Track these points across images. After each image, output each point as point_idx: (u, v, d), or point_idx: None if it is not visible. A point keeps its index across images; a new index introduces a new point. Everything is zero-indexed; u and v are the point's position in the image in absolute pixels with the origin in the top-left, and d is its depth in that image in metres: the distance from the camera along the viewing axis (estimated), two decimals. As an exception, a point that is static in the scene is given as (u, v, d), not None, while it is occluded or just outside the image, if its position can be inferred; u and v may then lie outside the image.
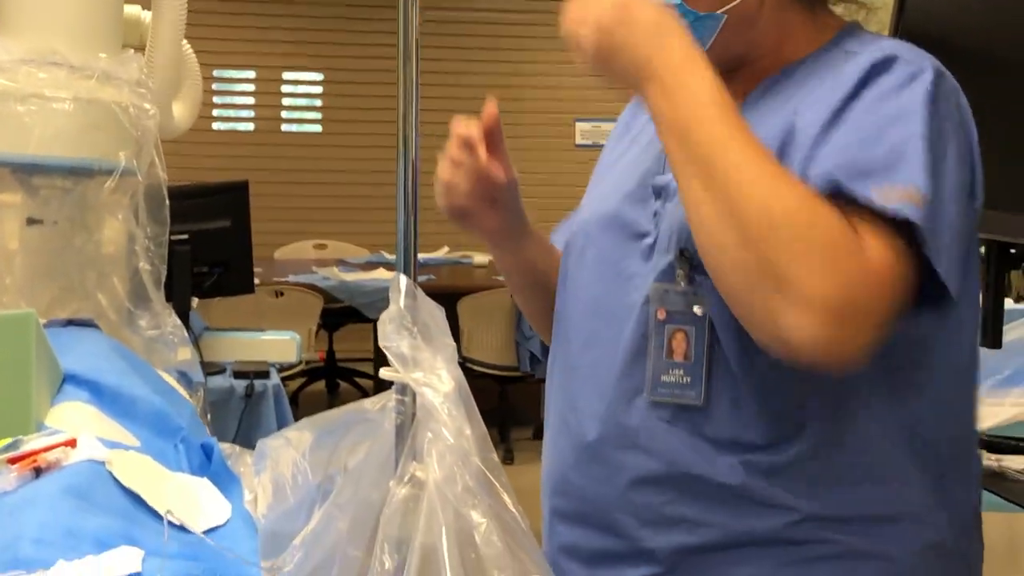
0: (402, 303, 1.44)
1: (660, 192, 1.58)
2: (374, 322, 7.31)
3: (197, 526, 2.01)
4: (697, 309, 1.48)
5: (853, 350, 1.33)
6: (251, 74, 8.91)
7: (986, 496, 2.08)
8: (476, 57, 9.18)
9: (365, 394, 7.91)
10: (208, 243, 4.22)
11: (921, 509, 1.53)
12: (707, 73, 1.39)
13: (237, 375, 4.28)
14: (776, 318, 1.30)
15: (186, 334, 3.06)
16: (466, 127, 1.67)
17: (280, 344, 4.47)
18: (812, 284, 1.27)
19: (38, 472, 2.00)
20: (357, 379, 8.22)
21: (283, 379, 4.45)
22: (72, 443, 2.06)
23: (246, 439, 4.00)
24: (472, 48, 9.20)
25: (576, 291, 1.68)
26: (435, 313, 1.45)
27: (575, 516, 1.57)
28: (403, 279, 1.44)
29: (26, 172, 2.80)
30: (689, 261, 1.48)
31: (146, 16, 3.13)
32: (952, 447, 1.57)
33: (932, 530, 1.54)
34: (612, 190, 1.69)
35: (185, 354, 3.04)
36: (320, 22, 8.96)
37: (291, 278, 6.94)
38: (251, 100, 8.94)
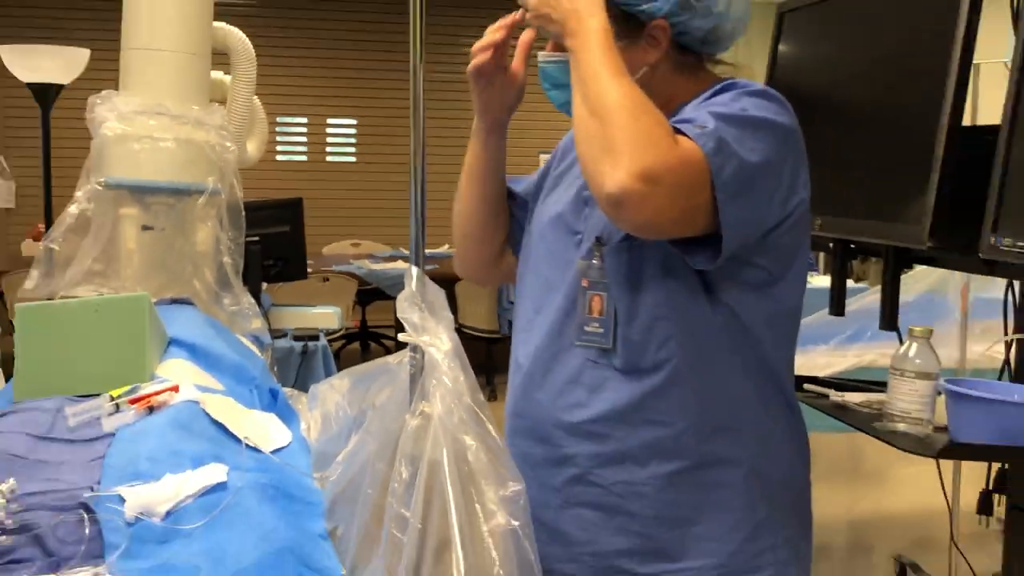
0: (414, 286, 1.44)
1: (588, 201, 1.59)
2: (394, 299, 7.30)
3: (267, 448, 2.01)
4: (607, 279, 1.51)
5: (663, 209, 1.36)
6: (304, 119, 8.87)
7: (833, 422, 2.09)
8: (465, 99, 9.14)
9: (388, 352, 7.95)
10: (273, 243, 4.21)
11: (761, 424, 1.55)
12: (600, 32, 1.41)
13: (295, 338, 4.29)
14: (605, 179, 1.33)
15: (258, 309, 3.05)
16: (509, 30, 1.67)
17: (326, 316, 4.47)
18: (634, 154, 1.32)
19: (151, 410, 2.00)
20: (383, 341, 8.20)
21: (328, 341, 4.45)
22: (175, 388, 2.06)
23: (302, 385, 3.99)
24: (463, 94, 9.14)
25: (534, 272, 1.69)
26: (437, 294, 1.46)
27: (523, 431, 1.59)
28: (415, 269, 1.45)
29: (141, 192, 2.78)
30: (601, 243, 1.52)
31: (227, 78, 3.12)
32: (780, 378, 1.59)
33: (770, 440, 1.56)
34: (557, 200, 1.69)
35: (257, 323, 3.04)
36: (353, 82, 8.92)
37: (334, 268, 6.94)
38: (304, 138, 8.89)
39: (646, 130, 1.33)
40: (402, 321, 1.43)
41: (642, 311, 1.49)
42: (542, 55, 1.57)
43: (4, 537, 1.53)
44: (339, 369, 4.51)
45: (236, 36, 2.99)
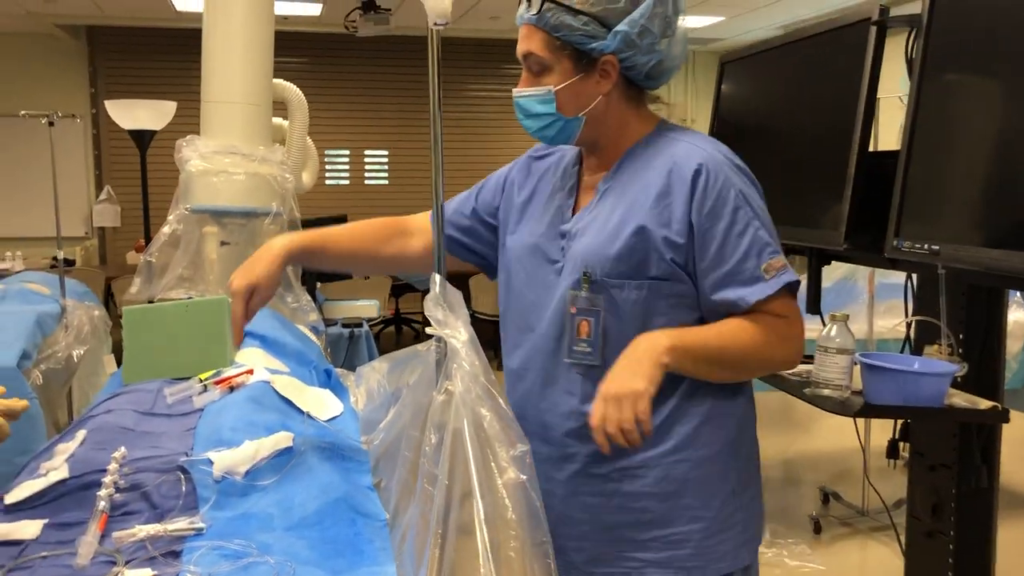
0: (438, 290, 1.41)
1: (564, 235, 1.50)
2: (421, 292, 7.28)
3: (323, 417, 2.00)
4: (595, 306, 1.43)
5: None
6: (346, 151, 8.82)
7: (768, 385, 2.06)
8: (471, 129, 9.12)
9: (418, 336, 7.97)
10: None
11: (734, 406, 1.50)
12: (673, 346, 1.36)
13: (344, 325, 4.27)
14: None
15: (314, 304, 3.05)
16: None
17: (368, 307, 4.45)
18: (792, 361, 1.46)
19: (232, 389, 1.99)
20: (412, 325, 8.17)
21: (369, 327, 4.42)
22: (250, 372, 2.05)
23: (350, 364, 3.99)
24: (468, 126, 9.12)
25: (517, 294, 1.58)
26: (456, 295, 1.43)
27: (529, 434, 1.40)
28: (438, 277, 1.42)
29: (219, 215, 2.77)
30: (589, 278, 1.43)
31: (284, 123, 3.10)
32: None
33: (737, 418, 1.51)
34: (530, 231, 1.58)
35: (314, 316, 3.03)
36: (386, 119, 8.90)
37: (372, 268, 6.90)
38: (347, 166, 8.86)
39: (785, 353, 1.45)
40: (428, 317, 1.41)
41: (626, 331, 1.41)
42: (516, 91, 1.49)
43: (119, 494, 1.52)
44: (379, 349, 4.51)
45: (292, 90, 2.98)
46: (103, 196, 7.42)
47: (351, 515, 1.51)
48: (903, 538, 2.30)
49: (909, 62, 1.86)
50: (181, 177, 2.76)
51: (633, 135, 1.50)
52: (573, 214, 1.53)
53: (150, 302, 3.56)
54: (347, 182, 8.84)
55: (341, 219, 4.53)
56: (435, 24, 1.36)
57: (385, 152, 8.95)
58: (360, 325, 4.35)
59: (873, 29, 1.79)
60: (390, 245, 1.73)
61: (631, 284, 1.42)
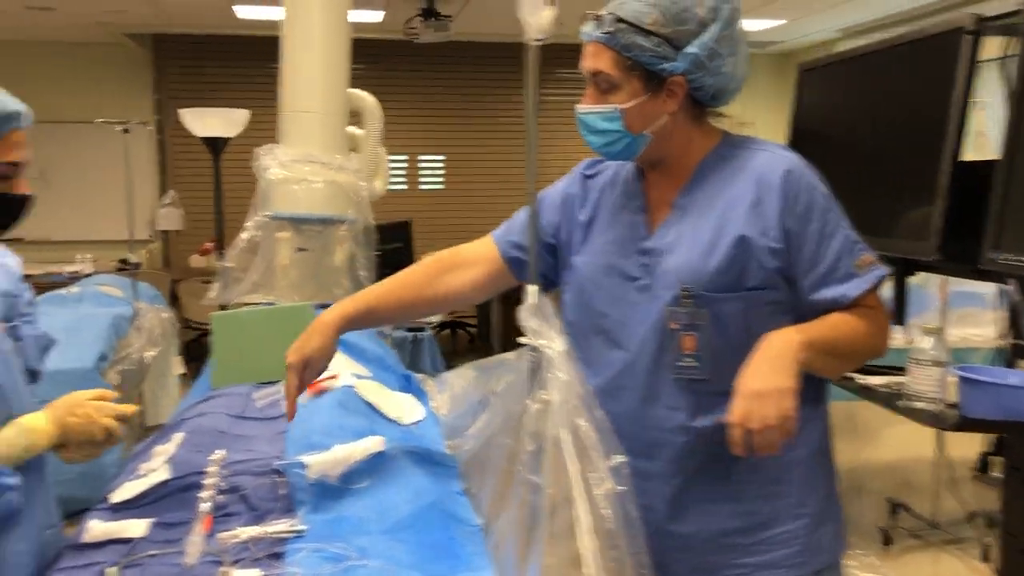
0: (533, 300, 1.43)
1: (647, 252, 1.49)
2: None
3: (406, 421, 2.04)
4: (699, 321, 1.42)
5: None
6: (404, 156, 8.93)
7: (836, 392, 2.02)
8: (519, 135, 9.14)
9: (473, 340, 8.00)
10: (390, 257, 4.23)
11: (821, 410, 1.52)
12: (804, 342, 1.37)
13: (407, 329, 4.31)
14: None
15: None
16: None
17: (431, 312, 4.45)
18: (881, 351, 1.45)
19: (320, 393, 2.03)
20: (468, 330, 8.18)
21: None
22: (335, 377, 2.09)
23: (413, 366, 4.03)
24: (519, 130, 9.14)
25: (596, 315, 1.54)
26: (548, 305, 1.45)
27: (634, 452, 1.39)
28: (533, 288, 1.44)
29: (297, 222, 2.83)
30: (690, 294, 1.42)
31: (357, 131, 3.16)
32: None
33: (824, 422, 1.53)
34: (602, 250, 1.56)
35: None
36: (442, 126, 8.96)
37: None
38: (404, 171, 8.97)
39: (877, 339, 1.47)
40: (523, 327, 1.42)
41: (730, 343, 1.41)
42: (580, 108, 1.49)
43: (220, 496, 1.57)
44: (444, 353, 4.55)
45: (367, 99, 3.04)
46: (167, 200, 7.60)
47: (445, 520, 1.54)
48: (984, 552, 2.26)
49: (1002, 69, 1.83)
50: (260, 185, 2.82)
51: (699, 150, 1.51)
52: (648, 231, 1.52)
53: (223, 307, 3.64)
54: (404, 187, 8.93)
55: (406, 225, 4.59)
56: (534, 40, 1.38)
57: (442, 157, 9.02)
58: (423, 329, 4.39)
59: (967, 39, 1.77)
60: (441, 284, 1.70)
61: (731, 297, 1.42)
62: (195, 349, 6.95)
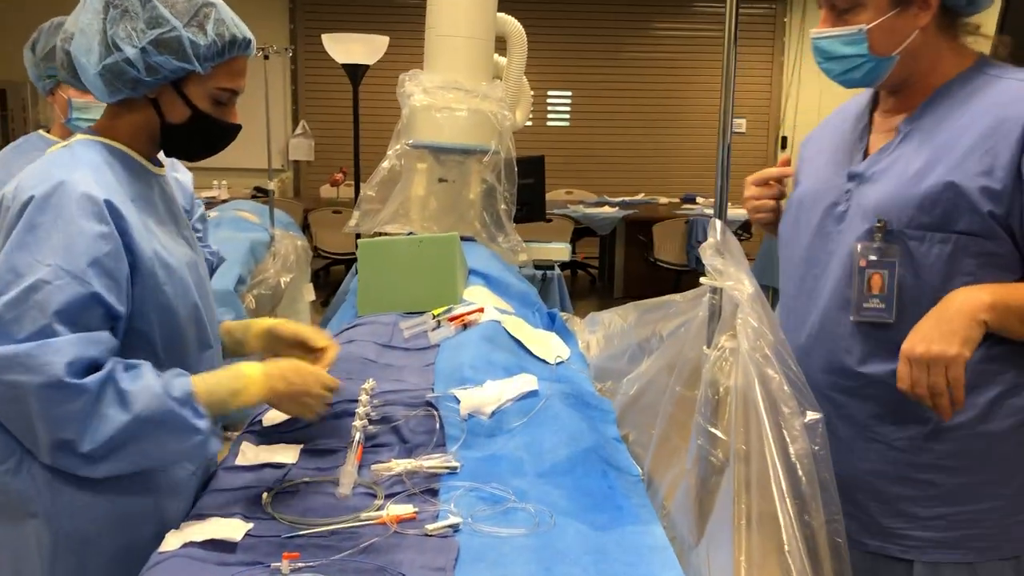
0: (718, 237, 1.30)
1: (853, 177, 1.37)
2: (601, 236, 7.15)
3: (551, 360, 1.95)
4: (889, 258, 1.28)
5: None
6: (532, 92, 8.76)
7: None
8: (650, 70, 8.84)
9: (594, 281, 7.89)
10: (521, 192, 4.13)
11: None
12: (992, 299, 1.21)
13: (536, 267, 4.22)
14: None
15: (524, 246, 2.99)
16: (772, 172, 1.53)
17: (560, 250, 4.31)
18: None
19: (465, 326, 1.97)
20: (589, 270, 8.04)
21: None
22: (481, 310, 2.02)
23: (542, 304, 3.96)
24: (649, 65, 8.85)
25: (794, 244, 1.47)
26: (735, 243, 1.32)
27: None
28: (718, 223, 1.31)
29: (439, 151, 2.76)
30: (883, 228, 1.29)
31: (502, 60, 3.03)
32: None
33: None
34: (816, 175, 1.47)
35: (524, 257, 2.99)
36: (568, 61, 8.76)
37: (555, 211, 6.80)
38: (532, 106, 8.84)
39: None
40: (707, 266, 1.30)
41: (924, 290, 1.27)
42: (814, 32, 1.36)
43: (371, 426, 1.53)
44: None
45: (513, 24, 2.91)
46: (299, 130, 7.70)
47: (602, 467, 1.45)
48: None
49: None
50: (404, 112, 2.75)
51: (946, 72, 1.34)
52: (865, 157, 1.38)
53: (358, 237, 3.64)
54: (530, 123, 8.79)
55: (538, 160, 4.47)
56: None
57: (569, 93, 8.82)
58: (552, 268, 4.29)
59: None
60: None
61: (934, 237, 1.26)
62: (324, 277, 7.09)
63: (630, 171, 8.90)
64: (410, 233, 2.73)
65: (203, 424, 1.18)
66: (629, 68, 8.75)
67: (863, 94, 1.48)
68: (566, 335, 2.11)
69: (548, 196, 8.33)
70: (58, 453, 1.10)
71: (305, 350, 1.49)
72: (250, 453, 1.50)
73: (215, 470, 1.45)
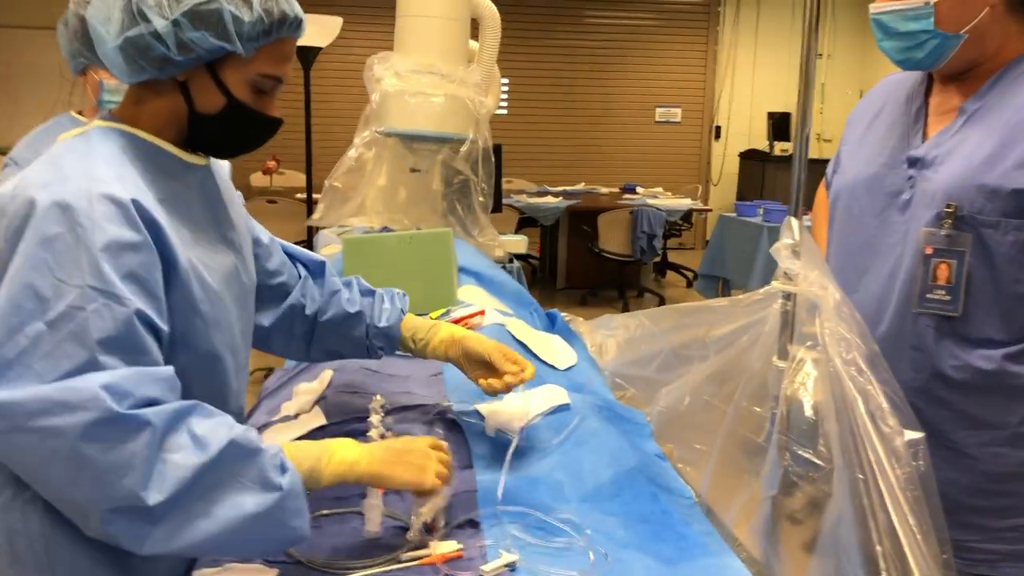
0: (796, 237, 1.18)
1: (915, 162, 1.29)
2: (542, 227, 7.01)
3: (560, 366, 1.81)
4: (958, 247, 1.20)
5: None
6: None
7: None
8: (586, 58, 8.76)
9: (535, 271, 7.71)
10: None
11: None
12: None
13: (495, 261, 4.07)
14: None
15: (500, 240, 2.83)
16: None
17: (517, 242, 4.18)
18: None
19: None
20: (530, 261, 7.87)
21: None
22: (482, 313, 1.86)
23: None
24: (585, 54, 8.77)
25: (849, 232, 1.39)
26: (812, 245, 1.20)
27: None
28: (794, 221, 1.19)
29: (411, 139, 2.57)
30: (952, 215, 1.21)
31: (474, 44, 2.86)
32: None
33: None
34: (867, 160, 1.38)
35: (500, 253, 2.83)
36: (506, 49, 8.59)
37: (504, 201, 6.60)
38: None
39: None
40: (783, 269, 1.18)
41: (998, 281, 1.20)
42: (875, 7, 1.27)
43: (390, 446, 1.36)
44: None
45: (487, 6, 2.73)
46: (226, 116, 7.34)
47: (651, 488, 1.32)
48: None
49: None
50: (373, 97, 2.56)
51: (1011, 52, 1.25)
52: (922, 139, 1.29)
53: (315, 229, 3.41)
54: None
55: (497, 148, 4.30)
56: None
57: (505, 80, 8.65)
58: (511, 261, 4.14)
59: None
60: None
61: (1010, 224, 1.18)
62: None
63: (568, 161, 8.80)
64: (385, 229, 2.55)
65: (286, 481, 0.94)
66: (565, 56, 8.64)
67: (905, 74, 1.39)
68: (570, 337, 1.96)
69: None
70: (115, 517, 0.86)
71: (489, 370, 1.35)
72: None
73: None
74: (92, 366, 0.85)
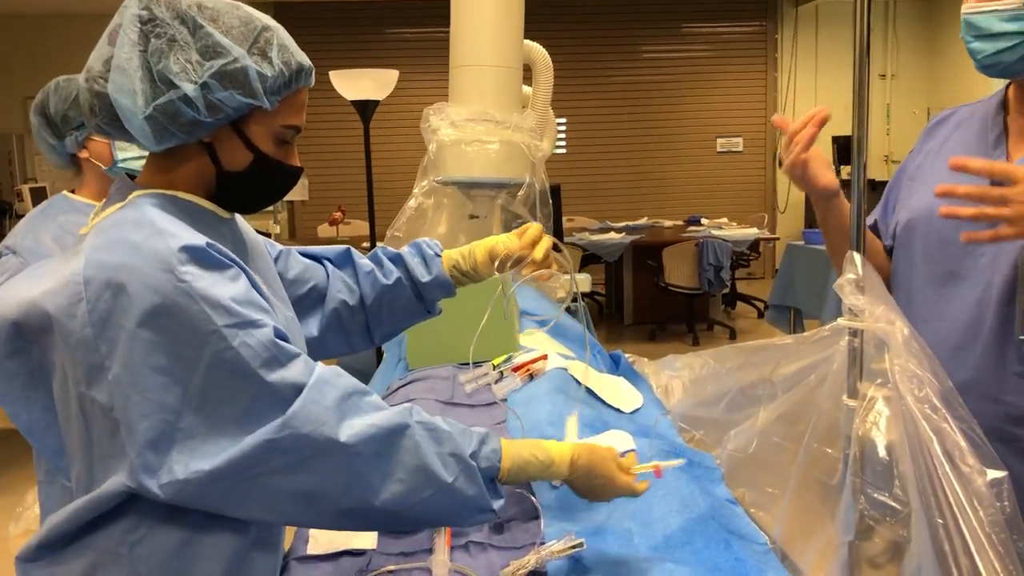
0: (859, 271, 1.15)
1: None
2: (607, 263, 6.99)
3: (627, 409, 1.79)
4: None
5: None
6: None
7: None
8: (642, 93, 8.76)
9: (600, 307, 7.68)
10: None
11: None
12: None
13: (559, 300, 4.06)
14: None
15: (562, 280, 2.82)
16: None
17: (582, 280, 4.15)
18: None
19: (531, 376, 1.80)
20: (596, 298, 7.86)
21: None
22: (544, 357, 1.86)
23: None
24: (641, 88, 8.77)
25: (924, 258, 1.35)
26: (876, 280, 1.16)
27: None
28: (857, 256, 1.16)
29: (469, 187, 2.60)
30: None
31: (528, 90, 2.89)
32: None
33: None
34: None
35: (562, 294, 2.82)
36: (562, 88, 8.66)
37: (565, 240, 6.63)
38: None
39: None
40: (848, 305, 1.15)
41: None
42: (968, 6, 1.23)
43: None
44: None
45: (539, 51, 2.77)
46: (292, 170, 7.55)
47: (724, 535, 1.28)
48: None
49: None
50: (431, 147, 2.60)
51: None
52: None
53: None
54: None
55: (555, 189, 4.31)
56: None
57: (563, 120, 8.71)
58: (576, 300, 4.12)
59: None
60: None
61: None
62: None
63: (630, 196, 8.78)
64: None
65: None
66: (621, 92, 8.66)
67: (972, 105, 1.35)
68: (635, 379, 1.94)
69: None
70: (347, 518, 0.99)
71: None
72: (322, 539, 1.33)
73: (285, 562, 1.28)
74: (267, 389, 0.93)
